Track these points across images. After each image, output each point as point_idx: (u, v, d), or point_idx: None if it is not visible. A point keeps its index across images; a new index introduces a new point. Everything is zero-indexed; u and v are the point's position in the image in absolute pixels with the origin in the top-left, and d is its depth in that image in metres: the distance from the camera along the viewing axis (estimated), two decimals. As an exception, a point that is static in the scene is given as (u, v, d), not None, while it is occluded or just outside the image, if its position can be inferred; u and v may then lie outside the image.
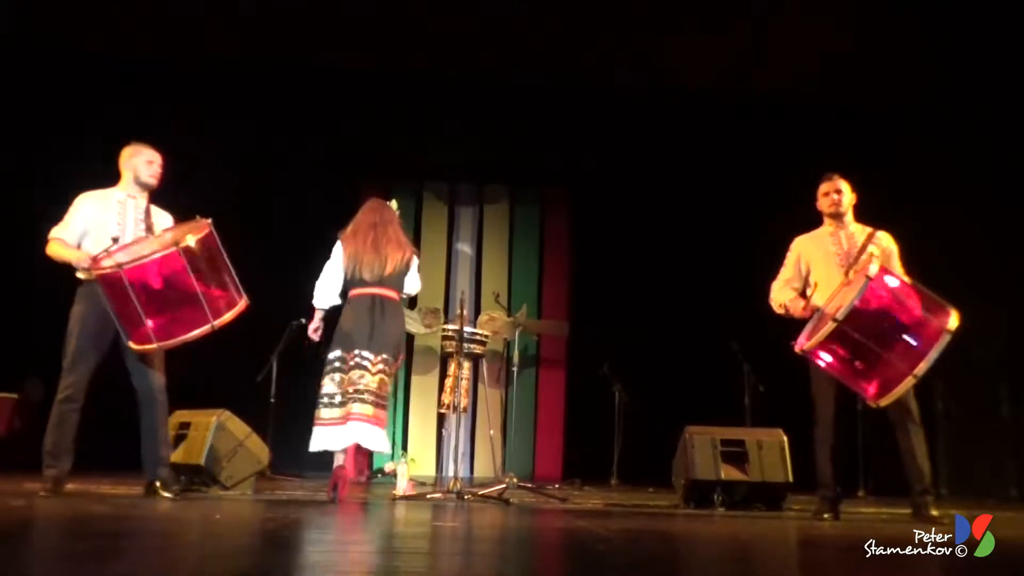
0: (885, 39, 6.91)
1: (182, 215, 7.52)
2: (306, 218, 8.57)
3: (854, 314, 3.95)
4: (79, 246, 4.41)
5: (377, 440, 4.48)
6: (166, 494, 4.40)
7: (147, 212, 4.58)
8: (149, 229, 4.51)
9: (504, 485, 5.36)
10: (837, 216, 4.57)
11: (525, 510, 4.57)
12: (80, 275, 4.42)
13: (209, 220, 4.31)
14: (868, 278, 4.00)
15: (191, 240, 4.11)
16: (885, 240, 4.50)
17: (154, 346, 4.19)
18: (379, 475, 7.32)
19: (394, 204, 5.16)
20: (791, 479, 4.81)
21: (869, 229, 4.53)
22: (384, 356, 4.52)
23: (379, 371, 4.51)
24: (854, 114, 7.78)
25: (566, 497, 5.44)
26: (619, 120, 8.26)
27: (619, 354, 7.78)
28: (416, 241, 9.02)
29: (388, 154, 8.83)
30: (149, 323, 4.11)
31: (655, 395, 7.81)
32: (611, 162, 8.69)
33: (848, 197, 4.58)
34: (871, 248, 4.41)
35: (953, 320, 3.94)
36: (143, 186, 4.60)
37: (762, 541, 3.42)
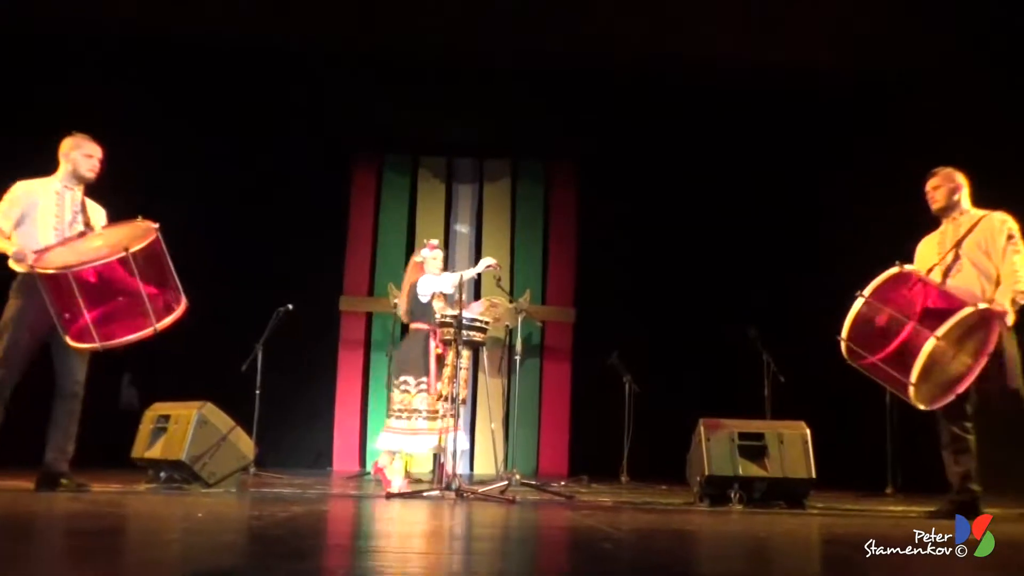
0: (899, 17, 6.88)
1: (173, 193, 7.54)
2: (294, 195, 8.59)
3: (852, 329, 4.29)
4: (11, 235, 4.55)
5: (414, 445, 5.64)
6: (67, 489, 4.56)
7: (83, 205, 4.76)
8: (87, 224, 4.70)
9: (506, 482, 5.38)
10: (942, 212, 4.62)
11: (528, 508, 4.58)
12: (16, 267, 4.54)
13: (156, 226, 4.53)
14: (862, 297, 4.28)
15: (139, 246, 4.34)
16: (989, 223, 4.48)
17: (96, 346, 4.39)
18: (371, 472, 7.35)
19: (435, 242, 6.11)
20: (814, 475, 4.82)
21: (983, 214, 4.54)
22: (421, 379, 5.72)
23: (419, 390, 5.67)
24: (869, 90, 7.73)
25: (572, 495, 5.47)
26: (629, 93, 8.22)
27: (629, 342, 7.79)
28: (411, 220, 9.05)
29: (381, 127, 8.82)
30: (91, 324, 4.31)
31: (668, 386, 7.83)
32: (620, 136, 8.68)
33: (947, 191, 4.59)
34: (972, 237, 4.44)
35: (944, 327, 4.04)
36: (80, 179, 4.77)
37: (783, 540, 3.44)
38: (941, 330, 4.05)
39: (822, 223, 7.95)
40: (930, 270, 4.51)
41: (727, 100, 8.03)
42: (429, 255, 5.95)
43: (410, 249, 8.97)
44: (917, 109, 7.30)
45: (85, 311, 4.28)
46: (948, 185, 4.61)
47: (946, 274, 4.49)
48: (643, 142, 8.62)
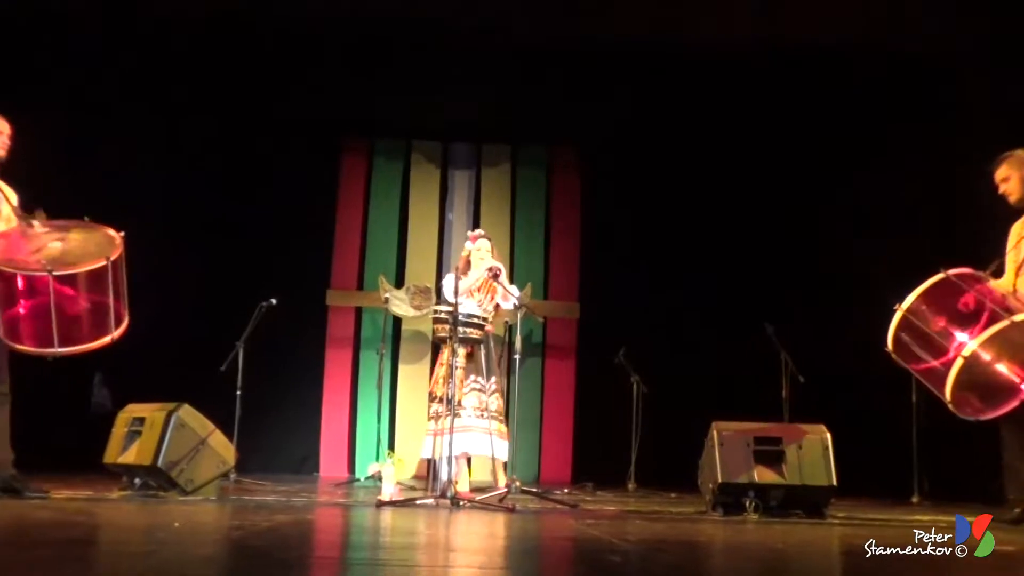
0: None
1: (146, 181, 7.45)
2: (277, 182, 8.57)
3: (895, 341, 4.38)
4: None
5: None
6: (23, 494, 4.56)
7: (2, 192, 4.70)
8: (23, 217, 4.64)
9: (505, 489, 5.38)
10: (1021, 203, 4.61)
11: (529, 517, 4.59)
12: None
13: (122, 234, 4.58)
14: (900, 309, 4.33)
15: (117, 255, 4.44)
16: None
17: (56, 351, 4.39)
18: (362, 478, 7.36)
19: (477, 232, 6.18)
20: (835, 482, 4.82)
21: None
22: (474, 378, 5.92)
23: (472, 389, 5.90)
24: (900, 64, 7.69)
25: (576, 503, 5.47)
26: (636, 73, 8.19)
27: (637, 339, 7.78)
28: (403, 209, 9.03)
29: (371, 110, 8.79)
30: (55, 329, 4.33)
31: (679, 386, 7.82)
32: (628, 118, 8.65)
33: (1019, 180, 4.59)
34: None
35: (972, 344, 4.10)
36: None
37: (801, 552, 3.44)
38: (967, 349, 4.09)
39: (846, 212, 7.93)
40: (996, 267, 4.50)
41: (743, 81, 7.98)
42: (472, 247, 5.97)
43: (402, 240, 8.96)
44: (955, 93, 7.26)
45: (54, 321, 4.31)
46: (1019, 172, 4.57)
47: (1019, 270, 4.48)
48: (652, 125, 8.57)
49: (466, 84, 8.26)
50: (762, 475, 4.79)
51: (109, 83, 7.62)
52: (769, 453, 4.83)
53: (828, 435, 4.91)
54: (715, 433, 4.90)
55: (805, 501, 4.86)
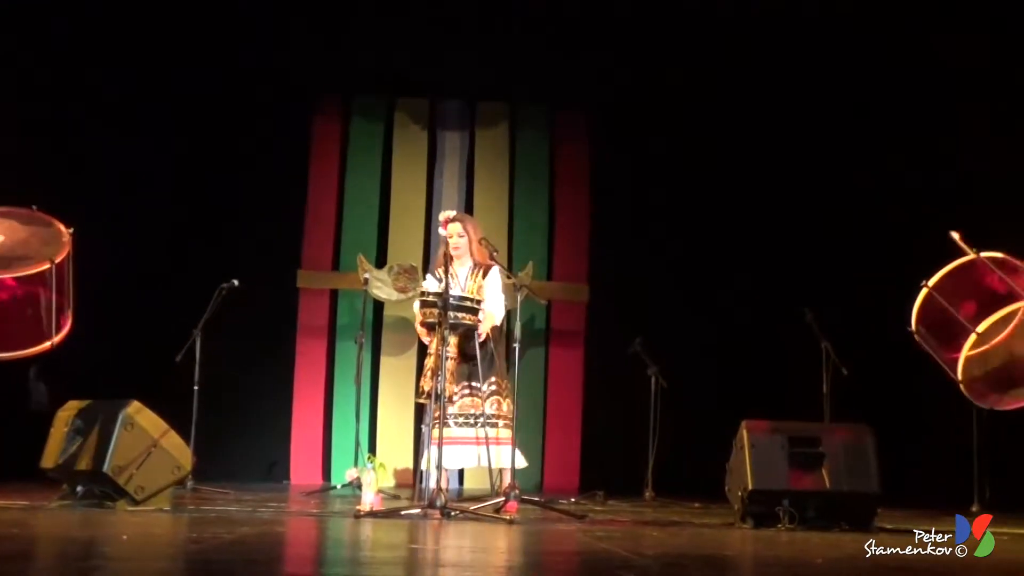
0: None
1: (88, 146, 7.42)
2: (240, 146, 8.55)
3: (920, 322, 4.60)
4: None
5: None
6: None
7: None
8: None
9: (503, 498, 5.39)
10: None
11: (531, 530, 4.60)
12: None
13: (71, 230, 4.75)
14: (927, 287, 4.53)
15: (63, 256, 4.64)
16: None
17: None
18: (338, 486, 7.39)
19: (447, 214, 6.00)
20: (882, 489, 4.84)
21: None
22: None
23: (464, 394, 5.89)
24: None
25: (584, 514, 5.48)
26: (656, 20, 8.17)
27: (655, 326, 7.79)
28: (385, 176, 9.01)
29: (348, 61, 8.76)
30: None
31: (703, 380, 7.84)
32: (644, 75, 8.64)
33: None
34: None
35: (986, 322, 4.29)
36: None
37: (843, 569, 3.45)
38: (983, 325, 4.25)
39: (896, 179, 7.91)
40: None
41: (780, 32, 7.96)
42: (444, 234, 5.92)
43: (384, 212, 8.95)
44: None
45: None
46: None
47: None
48: (671, 84, 8.55)
49: (458, 32, 8.23)
50: (799, 481, 4.81)
51: (56, 50, 7.59)
52: (807, 456, 4.85)
53: (873, 436, 4.93)
54: (745, 433, 4.91)
55: (847, 510, 4.88)
